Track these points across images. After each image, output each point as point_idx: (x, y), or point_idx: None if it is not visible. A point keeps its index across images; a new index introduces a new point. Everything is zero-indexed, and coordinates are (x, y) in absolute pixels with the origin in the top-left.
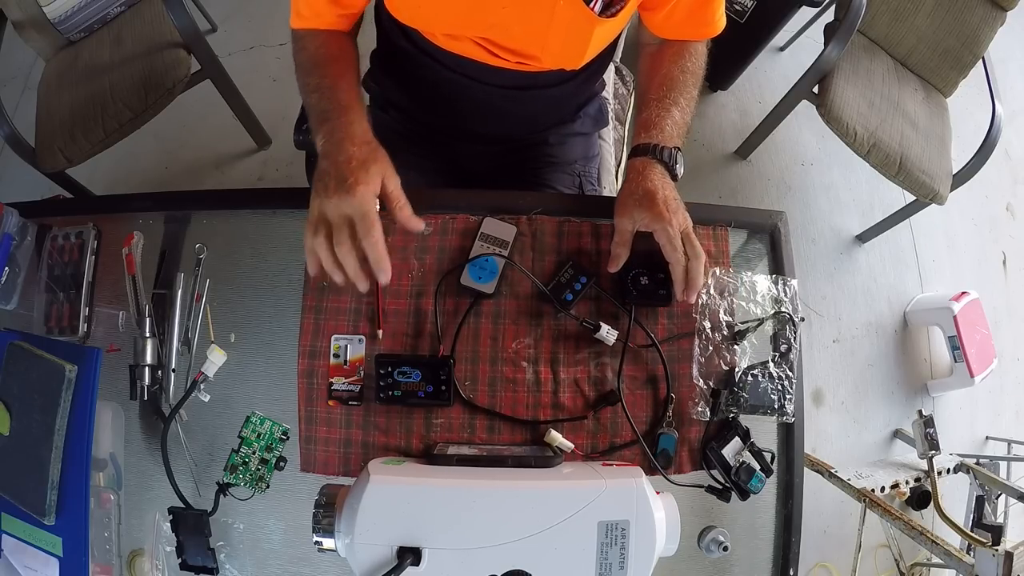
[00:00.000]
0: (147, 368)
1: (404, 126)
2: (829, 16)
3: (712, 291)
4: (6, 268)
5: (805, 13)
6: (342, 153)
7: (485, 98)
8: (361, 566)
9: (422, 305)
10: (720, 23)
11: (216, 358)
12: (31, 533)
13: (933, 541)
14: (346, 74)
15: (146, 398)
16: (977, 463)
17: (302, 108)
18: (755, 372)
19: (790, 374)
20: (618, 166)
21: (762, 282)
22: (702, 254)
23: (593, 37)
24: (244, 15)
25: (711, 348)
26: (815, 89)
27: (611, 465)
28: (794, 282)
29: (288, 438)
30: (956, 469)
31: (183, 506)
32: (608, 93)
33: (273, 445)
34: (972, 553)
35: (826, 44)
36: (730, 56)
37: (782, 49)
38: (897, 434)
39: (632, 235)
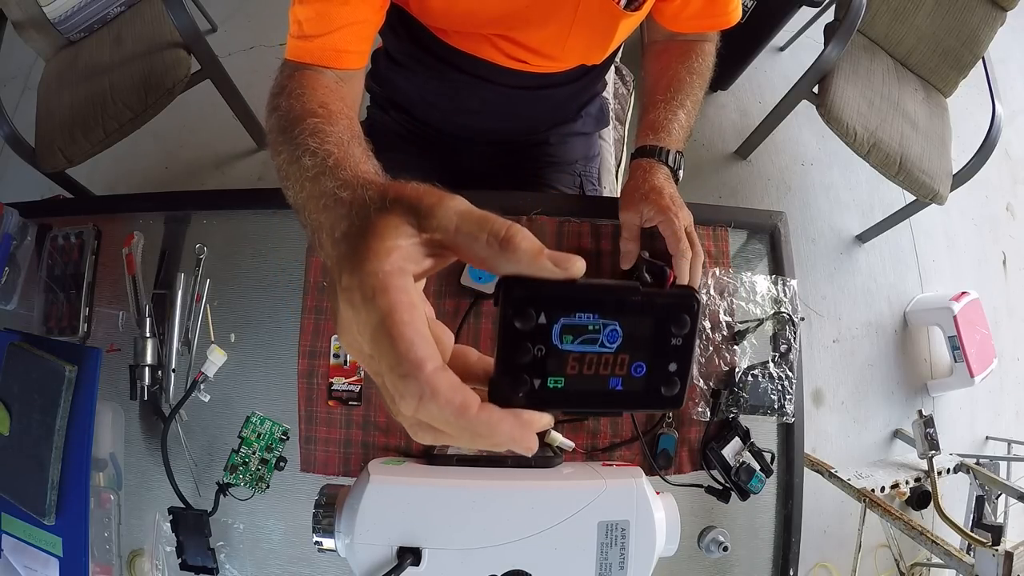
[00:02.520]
0: (147, 368)
1: (404, 126)
2: (829, 16)
3: (712, 291)
4: (6, 268)
5: (805, 13)
6: (335, 213)
7: (493, 97)
8: (361, 566)
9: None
10: (736, 13)
11: (216, 358)
12: (31, 533)
13: (933, 541)
14: (353, 138)
15: (146, 398)
16: (977, 463)
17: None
18: (755, 372)
19: (790, 374)
20: (618, 166)
21: (762, 282)
22: (701, 253)
23: (618, 31)
24: (244, 15)
25: (711, 348)
26: (815, 89)
27: (611, 465)
28: (794, 282)
29: (288, 438)
30: (956, 469)
31: (183, 506)
32: (608, 93)
33: (273, 445)
34: (972, 553)
35: (826, 44)
36: (730, 56)
37: (782, 49)
38: (897, 434)
39: (639, 229)
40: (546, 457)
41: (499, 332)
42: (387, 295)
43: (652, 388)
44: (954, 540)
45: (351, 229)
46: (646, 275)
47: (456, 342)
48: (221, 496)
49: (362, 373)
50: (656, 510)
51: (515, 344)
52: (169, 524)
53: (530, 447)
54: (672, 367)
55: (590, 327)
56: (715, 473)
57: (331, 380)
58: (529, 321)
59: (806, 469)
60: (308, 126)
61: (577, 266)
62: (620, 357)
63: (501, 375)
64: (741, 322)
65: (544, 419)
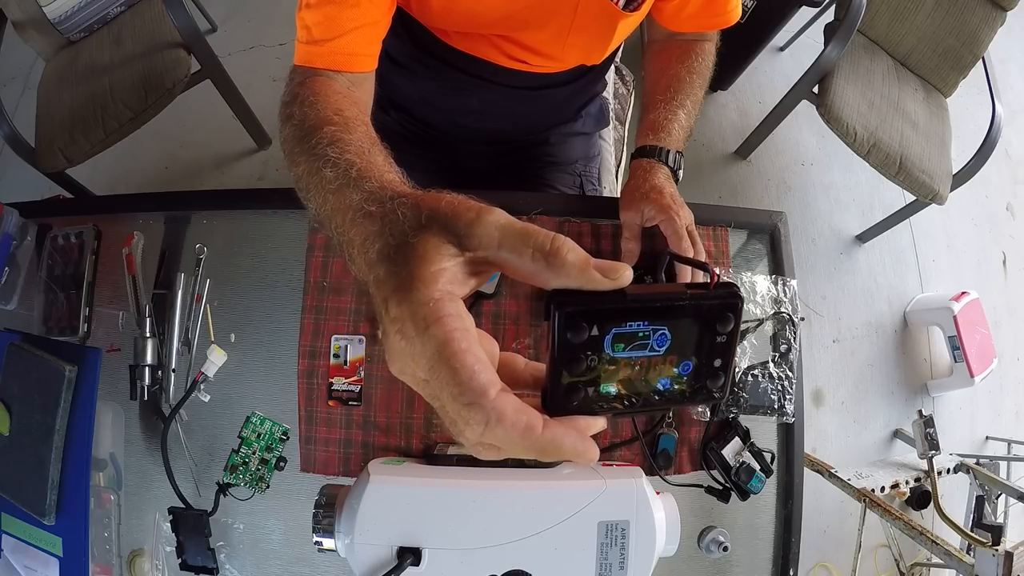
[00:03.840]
0: (147, 368)
1: (404, 127)
2: (829, 16)
3: None
4: (6, 268)
5: (805, 13)
6: (366, 229)
7: (493, 98)
8: (361, 566)
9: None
10: (735, 12)
11: (216, 358)
12: (31, 533)
13: (933, 541)
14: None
15: (146, 398)
16: (977, 463)
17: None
18: (755, 372)
19: (790, 374)
20: (618, 166)
21: (762, 282)
22: (703, 251)
23: (617, 32)
24: (244, 15)
25: None
26: (815, 89)
27: (611, 465)
28: (794, 282)
29: (288, 438)
30: (956, 469)
31: (183, 506)
32: (608, 93)
33: (273, 445)
34: (972, 553)
35: (826, 44)
36: (730, 56)
37: (782, 49)
38: (897, 434)
39: (640, 229)
40: None
41: (551, 345)
42: (441, 324)
43: (699, 384)
44: (954, 540)
45: (387, 249)
46: (662, 276)
47: None
48: (221, 496)
49: (362, 373)
50: (656, 510)
51: (568, 357)
52: (169, 524)
53: (592, 457)
54: (717, 362)
55: (640, 334)
56: (715, 473)
57: (331, 380)
58: (581, 334)
59: (806, 469)
60: (326, 135)
61: (626, 275)
62: (669, 358)
63: (555, 386)
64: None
65: (599, 423)
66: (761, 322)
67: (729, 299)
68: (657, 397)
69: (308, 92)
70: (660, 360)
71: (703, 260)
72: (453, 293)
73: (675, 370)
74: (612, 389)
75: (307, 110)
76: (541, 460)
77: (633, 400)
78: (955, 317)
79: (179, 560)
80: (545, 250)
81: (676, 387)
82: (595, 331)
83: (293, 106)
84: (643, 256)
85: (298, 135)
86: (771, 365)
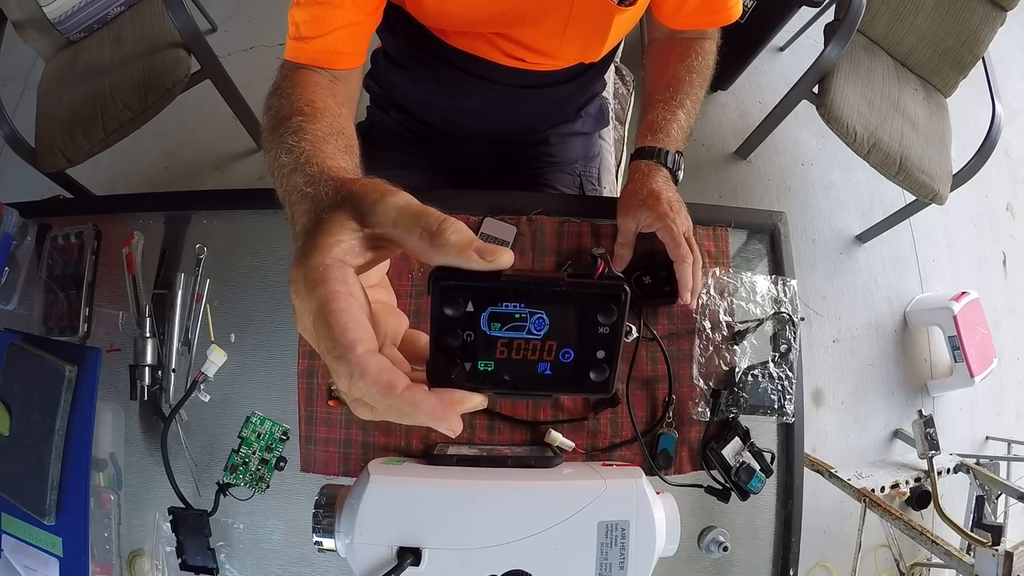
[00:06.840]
0: (147, 368)
1: (404, 126)
2: (829, 16)
3: (712, 291)
4: (6, 268)
5: (805, 13)
6: (300, 209)
7: (492, 97)
8: (361, 566)
9: (422, 305)
10: (735, 9)
11: (216, 358)
12: (31, 533)
13: (933, 541)
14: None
15: (146, 398)
16: (977, 463)
17: None
18: (755, 372)
19: (790, 374)
20: (618, 166)
21: (762, 282)
22: (700, 258)
23: (613, 27)
24: (244, 15)
25: (711, 348)
26: (815, 89)
27: (611, 465)
28: (794, 282)
29: (288, 438)
30: (956, 469)
31: (183, 506)
32: (608, 93)
33: (273, 445)
34: (972, 553)
35: (826, 44)
36: (730, 56)
37: (782, 49)
38: (897, 434)
39: (635, 235)
40: (546, 457)
41: (431, 318)
42: (326, 285)
43: (580, 373)
44: (954, 540)
45: (308, 224)
46: (645, 278)
47: None
48: (221, 496)
49: None
50: (656, 510)
51: (446, 330)
52: (169, 524)
53: (452, 427)
54: (600, 354)
55: (516, 315)
56: (715, 473)
57: (331, 380)
58: (458, 309)
59: (806, 469)
60: (292, 124)
61: (503, 259)
62: (548, 343)
63: (435, 358)
64: (741, 322)
65: (474, 399)
66: (761, 322)
67: (612, 291)
68: (536, 382)
69: (288, 84)
70: (539, 344)
71: (700, 265)
72: (345, 262)
73: (556, 356)
74: (491, 367)
75: (282, 101)
76: (405, 422)
77: (510, 380)
78: (955, 317)
79: (179, 560)
80: (432, 230)
81: (556, 374)
82: (471, 307)
83: (273, 97)
84: (643, 256)
85: (271, 124)
86: (771, 365)
